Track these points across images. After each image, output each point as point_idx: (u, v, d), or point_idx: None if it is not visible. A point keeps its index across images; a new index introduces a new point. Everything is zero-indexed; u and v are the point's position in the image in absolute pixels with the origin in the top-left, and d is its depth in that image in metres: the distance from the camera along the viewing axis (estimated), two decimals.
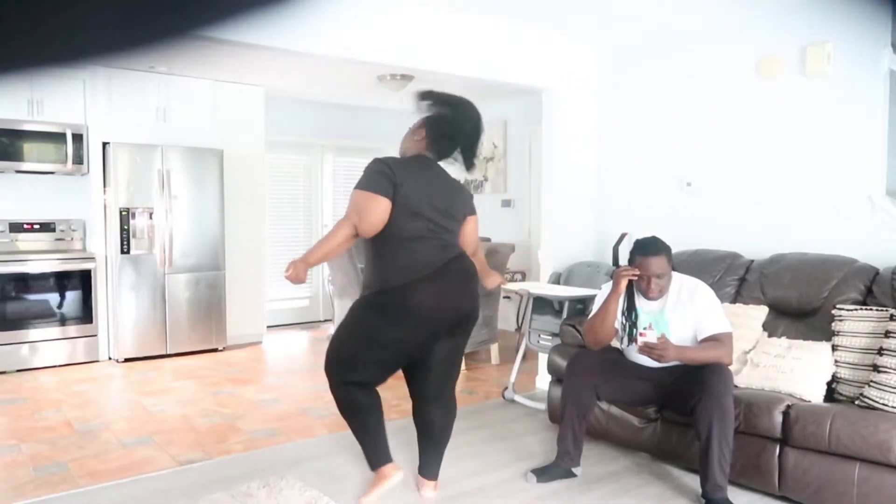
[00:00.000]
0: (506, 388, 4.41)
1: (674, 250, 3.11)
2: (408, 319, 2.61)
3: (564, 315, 4.03)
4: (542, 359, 4.47)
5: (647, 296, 3.04)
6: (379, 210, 2.54)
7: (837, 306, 3.19)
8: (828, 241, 3.59)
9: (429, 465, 2.91)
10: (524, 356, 4.44)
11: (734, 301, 3.58)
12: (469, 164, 2.80)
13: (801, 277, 3.39)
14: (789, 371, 3.02)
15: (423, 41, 4.02)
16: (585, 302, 4.02)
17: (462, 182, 2.91)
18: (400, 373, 2.86)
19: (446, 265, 2.63)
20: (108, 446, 3.54)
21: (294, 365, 5.57)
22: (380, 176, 2.57)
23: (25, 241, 5.33)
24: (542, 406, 4.02)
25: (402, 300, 2.59)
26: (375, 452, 2.81)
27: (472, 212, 2.85)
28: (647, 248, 3.01)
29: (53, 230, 5.45)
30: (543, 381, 4.45)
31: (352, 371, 2.70)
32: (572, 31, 4.57)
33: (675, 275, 3.09)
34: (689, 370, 2.91)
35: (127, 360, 5.40)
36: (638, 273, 3.02)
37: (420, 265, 2.59)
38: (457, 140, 2.73)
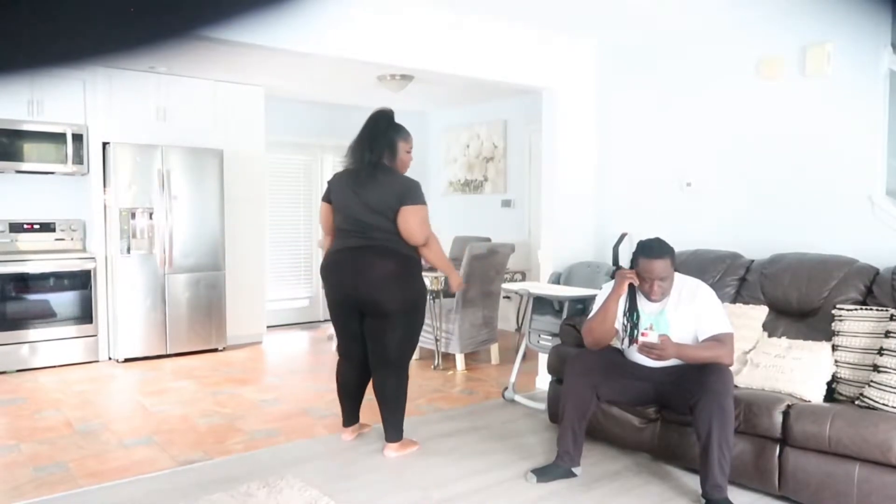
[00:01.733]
0: (506, 388, 4.41)
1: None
2: (324, 281, 3.40)
3: (564, 315, 4.03)
4: (542, 359, 4.47)
5: (649, 298, 3.04)
6: (323, 211, 3.42)
7: (837, 306, 3.19)
8: (828, 241, 3.59)
9: (385, 430, 3.41)
10: (524, 356, 4.44)
11: (734, 301, 3.58)
12: (363, 158, 3.26)
13: (801, 277, 3.39)
14: (789, 371, 3.02)
15: (423, 41, 4.02)
16: (585, 302, 4.02)
17: (405, 182, 3.25)
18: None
19: (355, 249, 3.25)
20: (108, 446, 3.54)
21: (294, 365, 5.56)
22: (327, 187, 3.43)
23: (25, 241, 5.33)
24: (542, 406, 4.02)
25: (324, 267, 3.39)
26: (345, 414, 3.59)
27: (404, 203, 3.19)
28: (652, 250, 3.00)
29: (53, 230, 5.45)
30: (543, 381, 4.45)
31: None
32: (572, 31, 4.57)
33: (676, 275, 3.08)
34: (688, 370, 2.91)
35: (127, 360, 5.40)
36: (636, 281, 3.02)
37: (337, 246, 3.33)
38: (352, 151, 3.32)
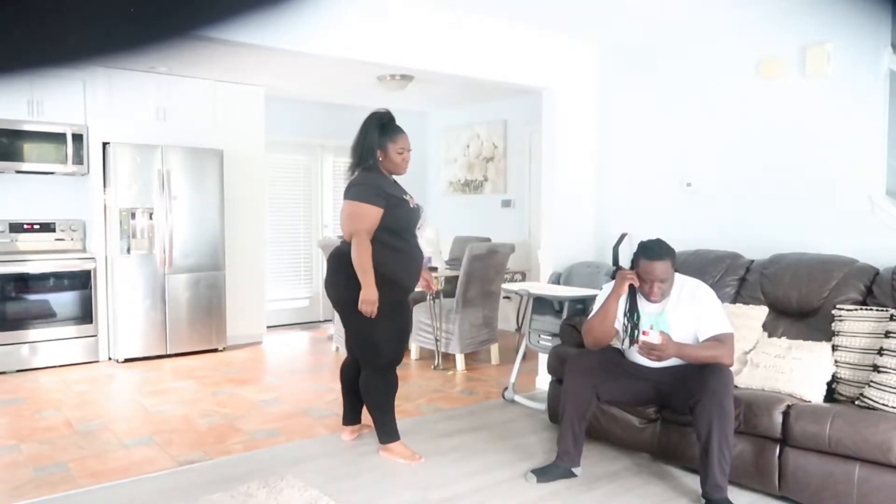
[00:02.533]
0: (506, 388, 4.40)
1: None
2: None
3: (564, 315, 4.03)
4: (542, 359, 4.47)
5: (648, 299, 3.04)
6: None
7: (837, 306, 3.19)
8: (828, 241, 3.59)
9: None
10: (524, 356, 4.44)
11: (734, 301, 3.58)
12: (355, 164, 3.33)
13: (801, 277, 3.39)
14: (789, 371, 3.02)
15: (423, 41, 4.02)
16: (585, 302, 4.02)
17: (354, 180, 3.28)
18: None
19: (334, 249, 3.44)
20: (108, 446, 3.54)
21: (294, 365, 5.56)
22: None
23: (25, 241, 5.33)
24: (542, 406, 4.02)
25: None
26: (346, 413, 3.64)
27: (344, 198, 3.26)
28: (652, 252, 3.00)
29: (53, 230, 5.45)
30: (543, 381, 4.45)
31: None
32: (572, 31, 4.57)
33: (676, 276, 3.08)
34: (688, 370, 2.91)
35: (127, 360, 5.40)
36: (636, 282, 3.03)
37: None
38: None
